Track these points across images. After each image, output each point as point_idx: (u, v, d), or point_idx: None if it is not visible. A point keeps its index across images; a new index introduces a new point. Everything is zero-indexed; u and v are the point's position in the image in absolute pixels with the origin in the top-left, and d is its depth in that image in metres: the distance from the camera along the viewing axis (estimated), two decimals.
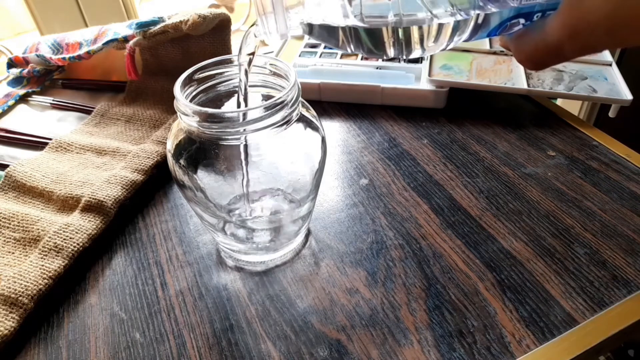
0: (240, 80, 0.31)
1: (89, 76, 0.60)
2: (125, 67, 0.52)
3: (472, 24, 0.23)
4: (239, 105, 0.32)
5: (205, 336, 0.33)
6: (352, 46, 0.24)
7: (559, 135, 0.49)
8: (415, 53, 0.24)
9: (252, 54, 0.29)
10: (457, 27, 0.23)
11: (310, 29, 0.25)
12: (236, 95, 0.35)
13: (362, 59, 0.58)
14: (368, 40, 0.24)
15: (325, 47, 0.61)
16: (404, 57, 0.25)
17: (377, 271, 0.36)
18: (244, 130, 0.29)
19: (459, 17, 0.22)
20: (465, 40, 0.24)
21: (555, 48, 0.22)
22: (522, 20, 0.23)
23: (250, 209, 0.37)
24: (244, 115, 0.29)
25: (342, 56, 0.59)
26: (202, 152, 0.32)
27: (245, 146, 0.32)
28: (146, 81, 0.55)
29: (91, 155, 0.47)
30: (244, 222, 0.36)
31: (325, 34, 0.25)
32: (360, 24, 0.23)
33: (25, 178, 0.43)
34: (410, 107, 0.54)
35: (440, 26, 0.22)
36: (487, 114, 0.53)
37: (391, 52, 0.24)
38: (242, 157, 0.33)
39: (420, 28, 0.23)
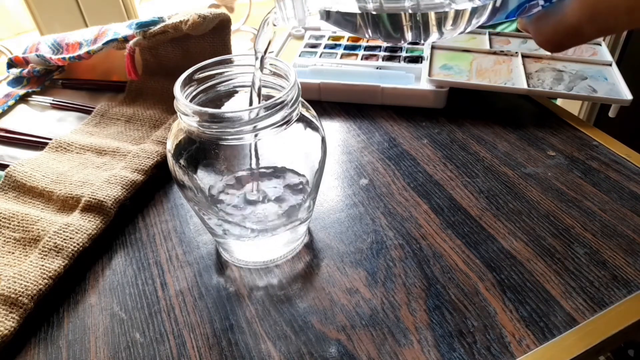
0: (254, 71, 0.31)
1: (89, 76, 0.60)
2: (125, 67, 0.52)
3: (490, 7, 0.23)
4: (251, 101, 0.32)
5: (205, 336, 0.33)
6: (369, 31, 0.24)
7: (559, 135, 0.49)
8: (433, 37, 0.24)
9: (269, 43, 0.29)
10: (475, 11, 0.23)
11: (327, 14, 0.25)
12: (240, 92, 0.35)
13: (362, 59, 0.58)
14: (386, 25, 0.24)
15: (325, 47, 0.61)
16: (422, 42, 0.25)
17: (377, 271, 0.36)
18: (244, 130, 0.29)
19: (477, 3, 0.22)
20: (483, 23, 0.24)
21: (574, 29, 0.22)
22: (541, 2, 0.23)
23: (259, 195, 0.36)
24: (252, 113, 0.29)
25: (342, 56, 0.59)
26: (202, 152, 0.32)
27: (256, 144, 0.32)
28: (146, 81, 0.55)
29: (91, 155, 0.47)
30: (243, 222, 0.36)
31: (342, 20, 0.25)
32: (379, 11, 0.23)
33: (25, 178, 0.43)
34: (410, 107, 0.54)
35: (459, 10, 0.22)
36: (487, 114, 0.53)
37: (409, 36, 0.24)
38: (253, 155, 0.33)
39: (438, 12, 0.23)
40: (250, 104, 0.32)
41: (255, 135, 0.30)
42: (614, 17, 0.20)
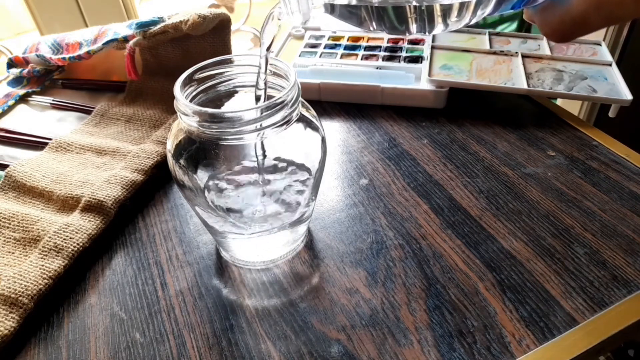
0: (259, 69, 0.31)
1: (89, 76, 0.60)
2: (125, 67, 0.52)
3: None
4: (257, 99, 0.32)
5: (205, 336, 0.33)
6: (374, 24, 0.24)
7: (559, 135, 0.49)
8: (438, 28, 0.24)
9: (274, 38, 0.29)
10: (480, 2, 0.22)
11: (332, 8, 0.25)
12: (240, 91, 0.35)
13: (362, 59, 0.58)
14: (391, 17, 0.24)
15: (325, 47, 0.61)
16: (427, 34, 0.25)
17: (377, 271, 0.36)
18: (244, 130, 0.29)
19: None
20: (489, 14, 0.24)
21: (581, 19, 0.22)
22: None
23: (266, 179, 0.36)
24: (254, 113, 0.29)
25: (342, 56, 0.59)
26: (202, 152, 0.32)
27: (262, 143, 0.32)
28: (146, 81, 0.55)
29: (91, 155, 0.47)
30: (243, 222, 0.36)
31: (346, 13, 0.25)
32: (383, 3, 0.23)
33: (25, 178, 0.43)
34: (410, 107, 0.54)
35: (464, 2, 0.22)
36: (487, 114, 0.53)
37: (414, 28, 0.24)
38: (259, 153, 0.33)
39: (443, 4, 0.23)
40: (257, 102, 0.32)
41: (259, 134, 0.30)
42: (619, 6, 0.20)
